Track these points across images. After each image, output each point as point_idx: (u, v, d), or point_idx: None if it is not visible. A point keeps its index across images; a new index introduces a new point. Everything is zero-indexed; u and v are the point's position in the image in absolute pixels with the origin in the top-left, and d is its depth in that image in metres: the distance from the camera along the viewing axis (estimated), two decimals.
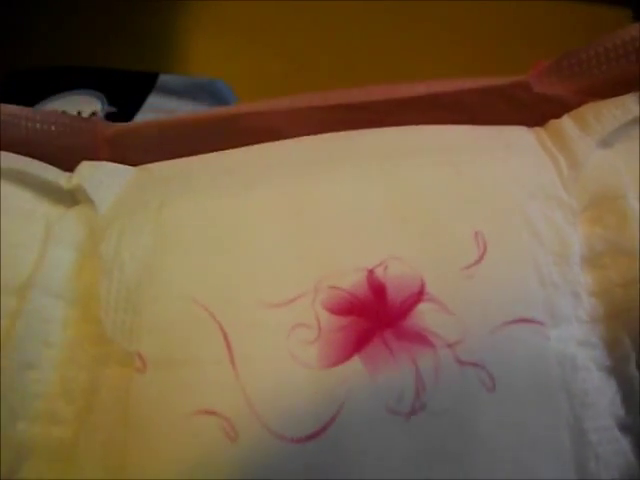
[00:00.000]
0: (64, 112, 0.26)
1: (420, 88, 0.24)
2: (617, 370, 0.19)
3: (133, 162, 0.26)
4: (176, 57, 0.34)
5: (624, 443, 0.18)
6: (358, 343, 0.19)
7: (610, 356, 0.19)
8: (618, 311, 0.19)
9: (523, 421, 0.18)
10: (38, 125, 0.25)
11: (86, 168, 0.24)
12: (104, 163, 0.25)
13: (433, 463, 0.18)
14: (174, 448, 0.19)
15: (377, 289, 0.20)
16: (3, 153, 0.24)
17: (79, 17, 0.25)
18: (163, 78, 0.39)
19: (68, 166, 0.25)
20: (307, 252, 0.21)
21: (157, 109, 0.38)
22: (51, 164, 0.25)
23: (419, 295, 0.20)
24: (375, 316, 0.19)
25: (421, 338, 0.19)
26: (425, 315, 0.19)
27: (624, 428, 0.19)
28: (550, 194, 0.21)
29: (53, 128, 0.25)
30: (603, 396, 0.19)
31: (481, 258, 0.20)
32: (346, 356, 0.19)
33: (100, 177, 0.24)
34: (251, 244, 0.21)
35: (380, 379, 0.19)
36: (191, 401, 0.19)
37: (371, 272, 0.20)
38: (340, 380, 0.19)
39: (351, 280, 0.20)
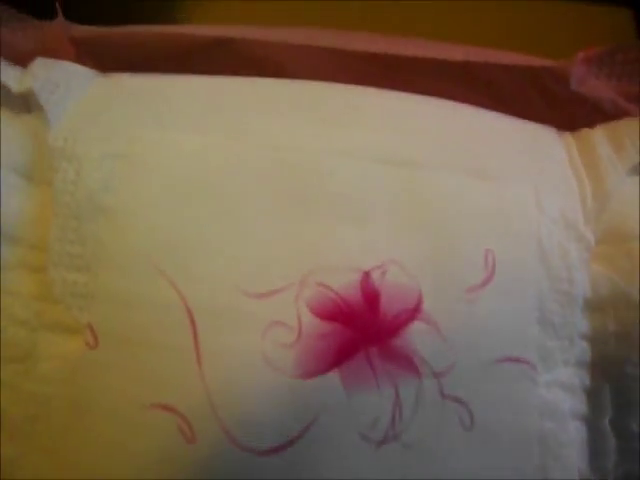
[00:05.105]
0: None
1: (456, 53, 0.20)
2: (591, 421, 0.19)
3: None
4: None
5: None
6: (339, 355, 0.17)
7: (588, 403, 0.19)
8: (605, 360, 0.19)
9: (493, 465, 0.17)
10: None
11: (41, 68, 0.20)
12: (63, 62, 0.20)
13: None
14: (122, 438, 0.17)
15: (370, 296, 0.18)
16: None
17: (78, 16, 0.21)
18: None
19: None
20: (298, 236, 0.18)
21: None
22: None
23: (414, 312, 0.18)
24: (363, 328, 0.18)
25: (408, 362, 0.17)
26: (417, 336, 0.18)
27: None
28: (570, 223, 0.19)
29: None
30: (573, 448, 0.18)
31: (488, 281, 0.18)
32: (324, 368, 0.17)
33: (57, 80, 0.20)
34: (233, 211, 0.18)
35: (357, 400, 0.17)
36: (147, 391, 0.17)
37: (367, 275, 0.18)
38: (314, 394, 0.17)
39: (343, 280, 0.18)
